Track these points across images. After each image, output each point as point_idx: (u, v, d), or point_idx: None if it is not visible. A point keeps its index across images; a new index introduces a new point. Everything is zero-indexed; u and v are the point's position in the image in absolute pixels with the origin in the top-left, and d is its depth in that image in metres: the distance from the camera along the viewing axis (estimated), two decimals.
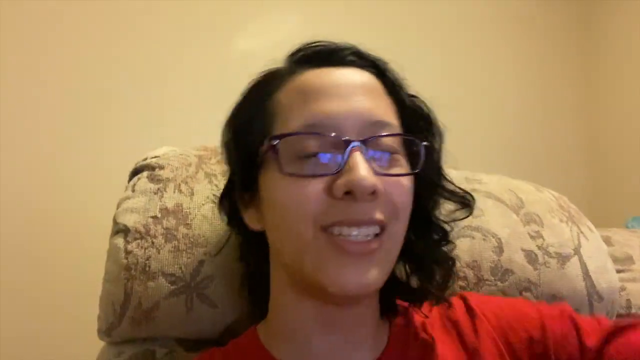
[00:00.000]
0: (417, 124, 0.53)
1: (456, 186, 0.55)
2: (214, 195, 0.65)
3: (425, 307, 0.55)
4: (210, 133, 1.38)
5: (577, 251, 0.73)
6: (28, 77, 1.22)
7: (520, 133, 1.84)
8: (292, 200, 0.46)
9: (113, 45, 1.31)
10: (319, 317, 0.50)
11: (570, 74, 2.00)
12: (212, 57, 1.41)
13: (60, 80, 1.26)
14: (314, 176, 0.45)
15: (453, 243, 0.57)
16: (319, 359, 0.50)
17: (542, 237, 0.73)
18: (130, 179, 0.69)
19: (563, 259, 0.72)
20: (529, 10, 1.93)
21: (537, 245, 0.72)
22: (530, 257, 0.71)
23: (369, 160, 0.45)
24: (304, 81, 0.49)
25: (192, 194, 0.65)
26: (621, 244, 0.88)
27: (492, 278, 0.69)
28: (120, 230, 0.63)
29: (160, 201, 0.64)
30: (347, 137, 0.45)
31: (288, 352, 0.51)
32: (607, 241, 0.87)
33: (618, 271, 0.81)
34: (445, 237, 0.55)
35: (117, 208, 0.66)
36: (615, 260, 0.84)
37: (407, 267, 0.56)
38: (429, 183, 0.53)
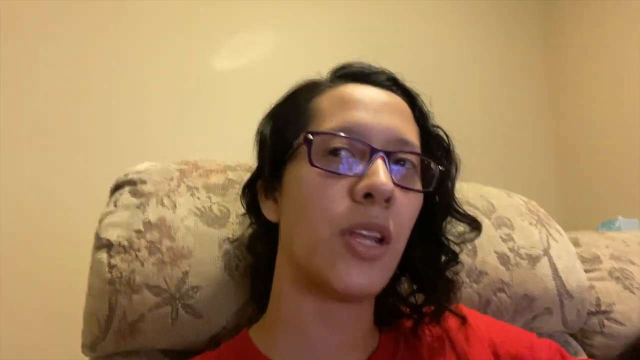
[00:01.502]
0: (437, 152, 0.57)
1: (466, 211, 0.60)
2: (196, 207, 0.67)
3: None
4: (190, 148, 1.38)
5: (546, 252, 0.77)
6: (6, 92, 1.22)
7: (488, 140, 1.88)
8: (316, 197, 0.49)
9: (93, 62, 1.32)
10: (318, 312, 0.52)
11: (538, 79, 2.06)
12: (189, 77, 1.43)
13: (41, 97, 1.26)
14: (339, 175, 0.49)
15: (462, 263, 0.60)
16: (313, 354, 0.52)
17: (513, 239, 0.76)
18: (112, 194, 0.70)
19: (533, 260, 0.75)
20: (493, 9, 1.98)
21: (508, 248, 0.75)
22: (503, 259, 0.74)
23: (389, 171, 0.49)
24: (343, 91, 0.54)
25: (175, 207, 0.66)
26: (589, 245, 0.92)
27: (468, 280, 0.72)
28: (103, 245, 0.64)
29: (143, 215, 0.65)
30: (374, 146, 0.49)
31: (282, 349, 0.53)
32: (575, 242, 0.91)
33: (586, 271, 0.85)
34: (454, 258, 0.59)
35: (99, 223, 0.67)
36: (584, 260, 0.88)
37: (413, 285, 0.59)
38: (444, 205, 0.57)
